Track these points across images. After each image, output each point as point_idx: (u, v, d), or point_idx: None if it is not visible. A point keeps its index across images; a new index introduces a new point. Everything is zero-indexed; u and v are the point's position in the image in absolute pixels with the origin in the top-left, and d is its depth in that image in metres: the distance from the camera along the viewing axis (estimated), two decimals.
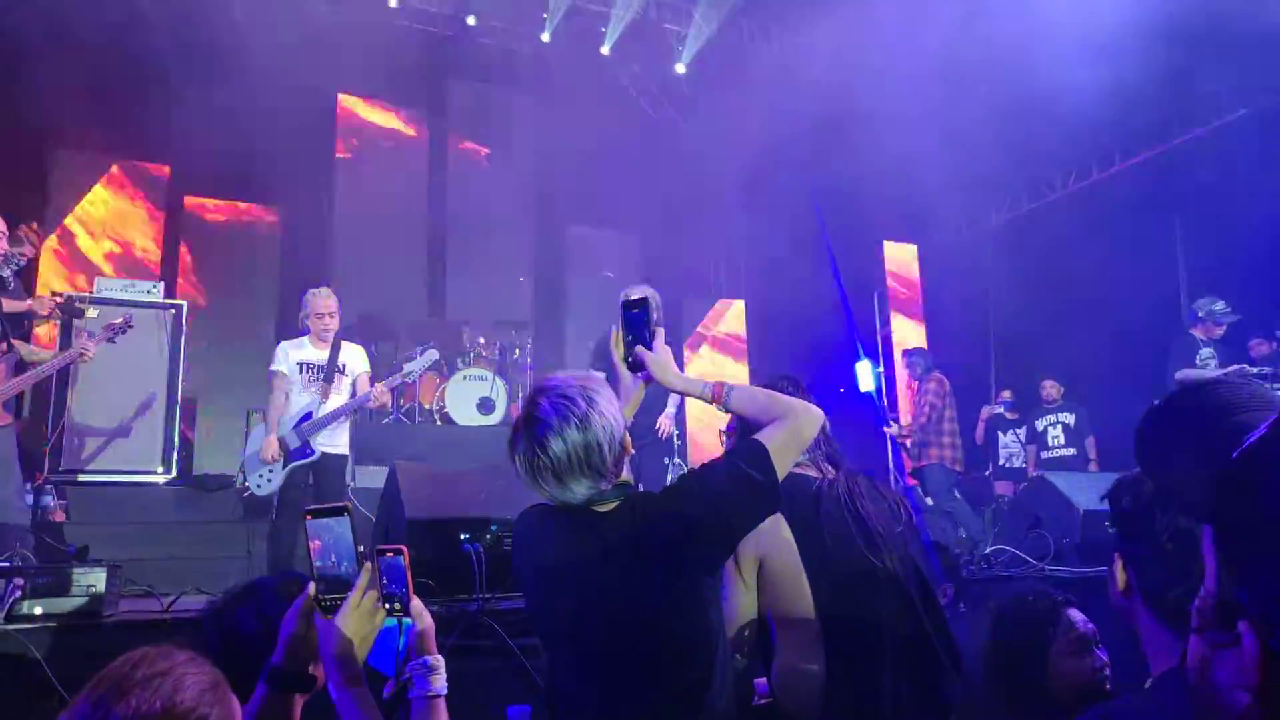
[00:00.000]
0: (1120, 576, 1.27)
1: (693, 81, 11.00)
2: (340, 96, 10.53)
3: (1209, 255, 7.88)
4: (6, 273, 4.96)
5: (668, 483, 5.10)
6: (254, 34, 8.82)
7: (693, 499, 1.86)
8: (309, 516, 1.63)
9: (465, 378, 8.46)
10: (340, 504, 1.65)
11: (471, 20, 10.39)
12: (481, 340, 9.13)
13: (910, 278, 10.30)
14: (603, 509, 1.86)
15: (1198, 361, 6.35)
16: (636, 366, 2.11)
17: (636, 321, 2.11)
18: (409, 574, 1.63)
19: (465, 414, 8.26)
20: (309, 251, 9.87)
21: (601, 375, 2.02)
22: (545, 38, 10.60)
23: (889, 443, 8.78)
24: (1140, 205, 8.50)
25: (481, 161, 11.27)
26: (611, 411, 1.86)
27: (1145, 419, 1.17)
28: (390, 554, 1.63)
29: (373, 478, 6.79)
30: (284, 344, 5.66)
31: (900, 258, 10.30)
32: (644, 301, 2.13)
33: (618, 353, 2.16)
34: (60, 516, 6.05)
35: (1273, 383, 5.78)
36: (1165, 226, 8.32)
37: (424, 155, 11.06)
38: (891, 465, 8.86)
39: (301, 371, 5.52)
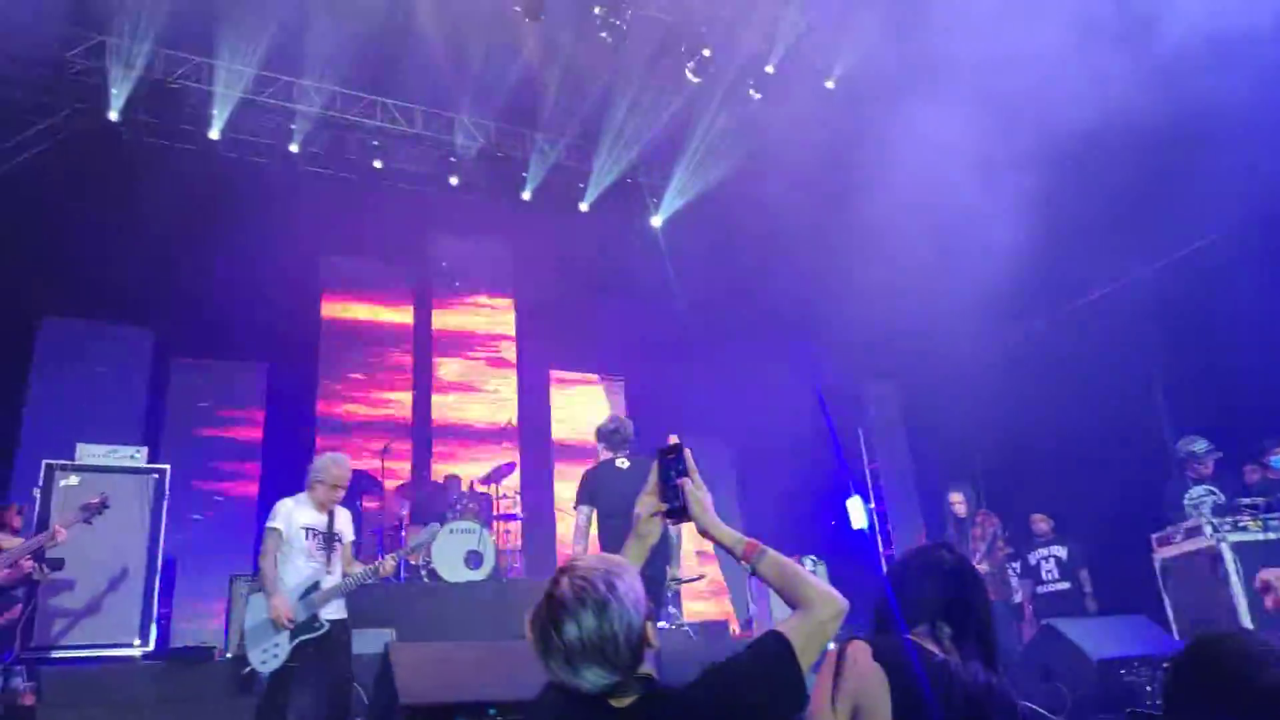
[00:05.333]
0: None
1: (670, 231, 11.38)
2: (324, 258, 10.78)
3: (1189, 382, 7.98)
4: None
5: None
6: (240, 197, 9.14)
7: (713, 701, 1.78)
8: None
9: (452, 531, 8.27)
10: None
11: (454, 180, 10.80)
12: (467, 493, 9.05)
13: (892, 413, 10.41)
14: (618, 704, 1.79)
15: (1186, 502, 6.35)
16: (677, 512, 2.06)
17: (675, 467, 2.09)
18: None
19: (453, 569, 8.03)
20: (294, 410, 9.88)
21: (624, 560, 1.97)
22: (526, 196, 11.01)
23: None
24: (1119, 339, 8.69)
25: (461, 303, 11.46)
26: (633, 600, 1.79)
27: (1169, 673, 1.19)
28: None
29: (362, 642, 6.51)
30: (286, 502, 5.28)
31: (883, 393, 10.44)
32: (679, 448, 2.10)
33: (649, 502, 2.11)
34: (30, 699, 5.75)
35: (1264, 513, 5.78)
36: (1144, 361, 8.48)
37: (408, 312, 11.26)
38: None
39: (308, 537, 5.19)
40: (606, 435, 5.87)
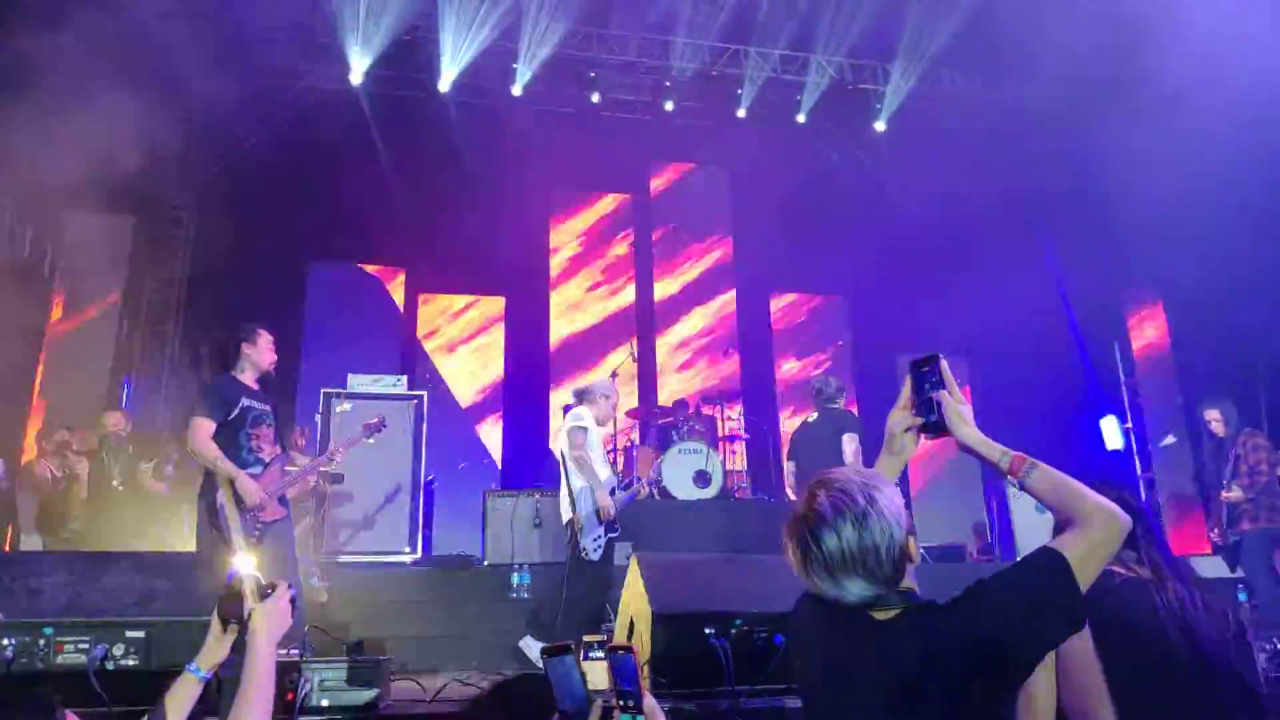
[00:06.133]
0: None
1: (893, 138, 10.79)
2: (550, 192, 11.15)
3: None
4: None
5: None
6: (470, 141, 9.66)
7: (984, 617, 1.69)
8: (545, 654, 1.68)
9: (680, 451, 8.48)
10: (566, 643, 1.69)
11: (669, 106, 10.78)
12: (694, 414, 9.22)
13: (1157, 328, 9.38)
14: (881, 616, 1.75)
15: None
16: (933, 426, 1.97)
17: (930, 380, 1.99)
18: (640, 671, 1.64)
19: (682, 487, 8.27)
20: (529, 339, 10.45)
21: (882, 474, 1.92)
22: (740, 114, 10.81)
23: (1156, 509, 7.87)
24: None
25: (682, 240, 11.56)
26: (893, 513, 1.74)
27: None
28: (621, 652, 1.66)
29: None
30: (586, 410, 5.66)
31: (1143, 306, 9.41)
32: (934, 360, 2.00)
33: (901, 417, 2.03)
34: (324, 597, 6.56)
35: None
36: None
37: (628, 240, 11.49)
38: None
39: (603, 446, 5.67)
40: (813, 393, 6.36)
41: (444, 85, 9.99)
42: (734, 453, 9.62)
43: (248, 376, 4.88)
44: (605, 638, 3.78)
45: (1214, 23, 6.72)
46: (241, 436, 4.71)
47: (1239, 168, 7.38)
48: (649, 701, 1.65)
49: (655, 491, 8.41)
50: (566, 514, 5.53)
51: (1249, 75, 6.74)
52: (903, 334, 10.79)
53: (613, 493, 5.55)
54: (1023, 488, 1.89)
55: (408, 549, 7.53)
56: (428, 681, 3.58)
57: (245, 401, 4.75)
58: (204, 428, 4.56)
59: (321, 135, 9.44)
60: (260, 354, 4.90)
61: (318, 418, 7.90)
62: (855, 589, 1.73)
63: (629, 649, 1.65)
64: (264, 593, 2.14)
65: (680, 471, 8.32)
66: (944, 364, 2.00)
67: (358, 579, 6.79)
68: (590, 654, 3.53)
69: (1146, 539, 2.23)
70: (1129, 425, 8.45)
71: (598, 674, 3.53)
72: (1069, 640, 1.96)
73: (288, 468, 5.04)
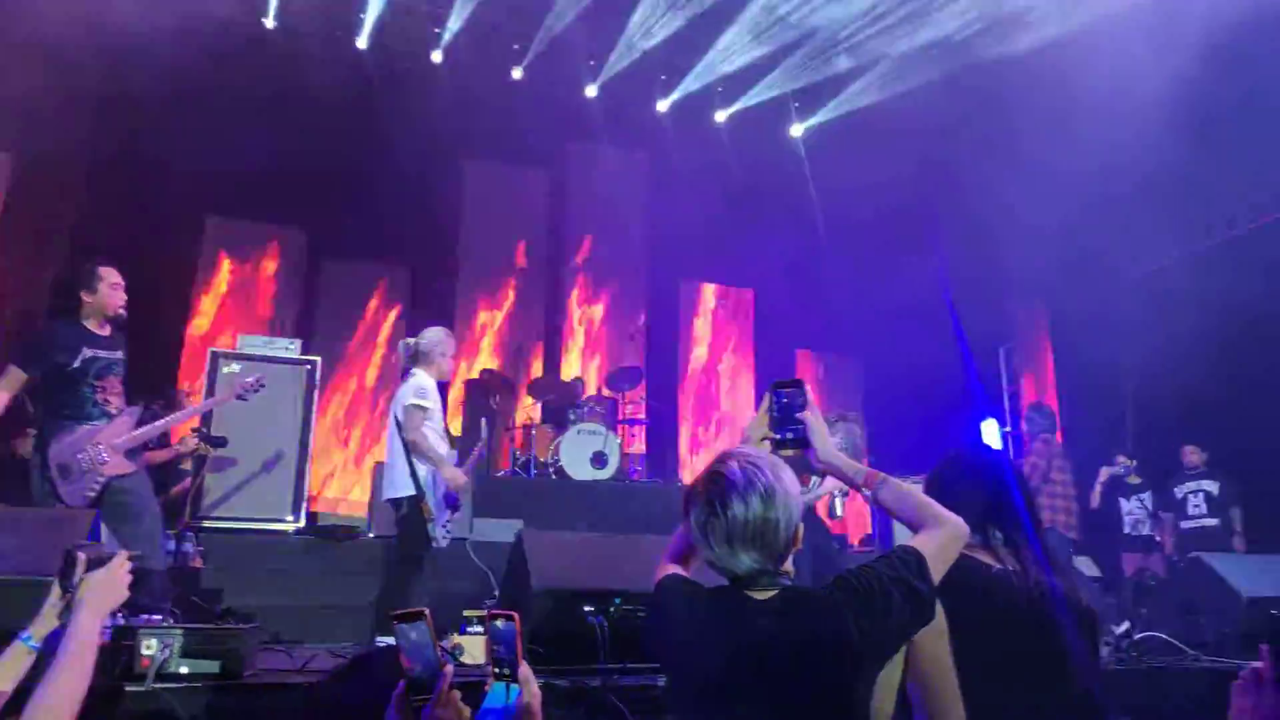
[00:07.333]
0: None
1: (808, 141, 11.02)
2: (466, 163, 10.94)
3: None
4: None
5: None
6: (386, 103, 9.39)
7: (853, 605, 1.76)
8: (396, 620, 1.67)
9: (579, 432, 8.51)
10: (420, 609, 1.68)
11: (591, 91, 10.72)
12: (594, 395, 9.26)
13: (1039, 335, 9.89)
14: (759, 596, 1.79)
15: None
16: (791, 443, 2.06)
17: (796, 402, 2.10)
18: (519, 641, 1.67)
19: (579, 468, 8.31)
20: (431, 309, 10.26)
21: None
22: (663, 106, 10.88)
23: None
24: None
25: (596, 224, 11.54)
26: (794, 494, 1.81)
27: None
28: (502, 620, 1.68)
29: (491, 530, 6.80)
30: (426, 378, 5.02)
31: (1028, 312, 9.89)
32: (800, 383, 2.13)
33: (759, 432, 2.11)
34: (199, 563, 6.34)
35: None
36: None
37: (542, 214, 11.39)
38: None
39: (442, 417, 5.07)
40: None
41: (362, 42, 9.69)
42: (634, 436, 9.71)
43: (93, 323, 4.51)
44: (485, 613, 3.76)
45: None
46: (85, 389, 4.37)
47: (1124, 181, 7.81)
48: (524, 670, 1.65)
49: (553, 471, 8.43)
50: (401, 490, 4.85)
51: (1138, 91, 7.11)
52: (804, 330, 11.08)
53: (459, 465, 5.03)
54: (875, 499, 2.01)
55: (290, 517, 7.33)
56: (299, 651, 3.51)
57: (88, 351, 4.38)
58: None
59: (230, 81, 9.01)
60: (103, 299, 4.50)
61: (204, 378, 7.59)
62: (747, 561, 1.78)
63: (509, 616, 1.66)
64: (99, 561, 2.03)
65: (578, 452, 8.36)
66: (809, 388, 2.15)
67: (236, 546, 6.58)
68: (469, 629, 3.51)
69: (1010, 516, 2.21)
70: (1008, 429, 8.87)
71: (476, 649, 3.52)
72: (923, 634, 2.07)
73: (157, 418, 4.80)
